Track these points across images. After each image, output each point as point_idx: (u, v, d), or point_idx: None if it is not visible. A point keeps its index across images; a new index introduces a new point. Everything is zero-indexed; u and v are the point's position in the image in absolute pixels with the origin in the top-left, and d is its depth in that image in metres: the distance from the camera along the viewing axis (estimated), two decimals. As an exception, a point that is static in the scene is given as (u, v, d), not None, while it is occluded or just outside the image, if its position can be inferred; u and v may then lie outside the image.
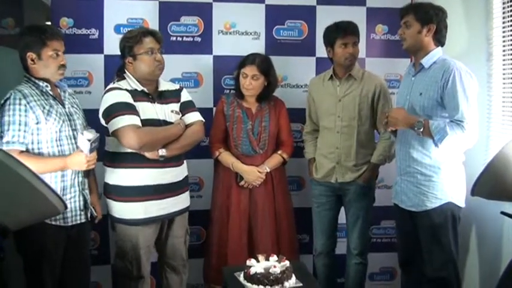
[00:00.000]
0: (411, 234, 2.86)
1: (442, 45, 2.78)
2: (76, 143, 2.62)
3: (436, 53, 2.74)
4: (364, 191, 3.29)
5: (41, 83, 2.57)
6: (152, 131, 2.79)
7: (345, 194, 3.33)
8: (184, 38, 3.57)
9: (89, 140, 2.50)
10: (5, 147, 2.36)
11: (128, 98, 2.79)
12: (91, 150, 2.53)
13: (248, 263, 2.53)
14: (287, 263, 2.50)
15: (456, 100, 2.57)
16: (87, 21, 3.47)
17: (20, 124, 2.45)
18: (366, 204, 3.32)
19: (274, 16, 3.65)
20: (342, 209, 3.44)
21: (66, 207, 2.24)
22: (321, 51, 3.61)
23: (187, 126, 2.95)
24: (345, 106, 3.24)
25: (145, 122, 2.80)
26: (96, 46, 3.48)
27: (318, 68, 3.67)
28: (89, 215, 2.74)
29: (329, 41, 3.24)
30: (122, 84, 2.87)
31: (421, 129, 2.62)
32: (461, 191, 2.75)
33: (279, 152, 3.34)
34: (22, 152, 2.45)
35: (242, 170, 3.25)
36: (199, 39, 3.59)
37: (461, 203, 2.75)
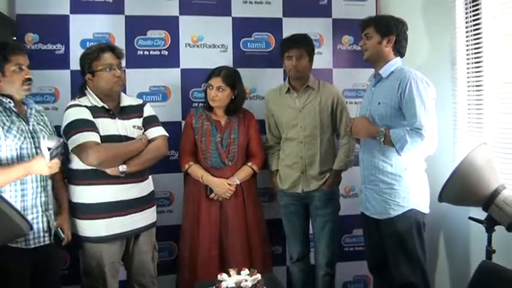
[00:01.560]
0: (378, 241, 2.88)
1: (402, 56, 2.84)
2: None
3: (395, 63, 2.80)
4: (328, 197, 3.34)
5: (4, 99, 2.51)
6: (111, 147, 2.77)
7: (310, 201, 3.36)
8: (152, 52, 3.55)
9: (49, 149, 2.45)
10: None
11: (86, 115, 2.77)
12: (51, 158, 2.47)
13: (219, 277, 2.50)
14: (258, 276, 2.48)
15: (414, 108, 2.62)
16: (52, 37, 3.43)
17: None
18: (332, 211, 3.37)
19: (241, 29, 3.67)
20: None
21: (31, 228, 2.20)
22: (289, 63, 3.66)
23: (150, 141, 2.93)
24: (306, 116, 3.30)
25: (106, 138, 2.78)
26: (62, 61, 3.43)
27: (285, 79, 3.67)
28: (52, 237, 2.65)
29: (281, 54, 3.33)
30: (82, 100, 2.85)
31: (382, 139, 2.66)
32: (425, 198, 2.79)
33: (249, 163, 3.34)
34: None
35: (212, 182, 3.24)
36: (166, 52, 3.57)
37: (425, 209, 2.79)
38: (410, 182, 2.75)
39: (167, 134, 3.02)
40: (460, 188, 2.49)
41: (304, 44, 3.27)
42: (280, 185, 3.40)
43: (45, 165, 2.46)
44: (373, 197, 2.84)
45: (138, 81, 3.42)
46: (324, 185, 3.31)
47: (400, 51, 2.82)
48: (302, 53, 3.24)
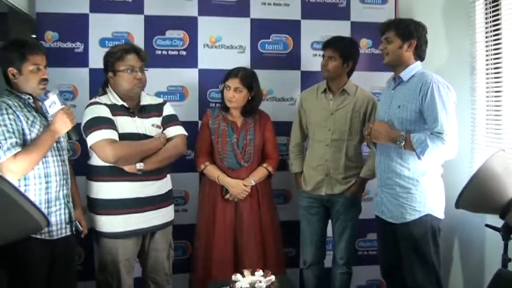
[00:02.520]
0: (392, 245, 2.87)
1: (422, 60, 2.81)
2: (59, 155, 2.62)
3: (415, 67, 2.78)
4: (351, 202, 3.31)
5: (23, 96, 2.55)
6: (128, 144, 2.80)
7: (332, 205, 3.34)
8: (170, 52, 3.58)
9: (56, 94, 2.55)
10: (7, 155, 2.37)
11: (105, 113, 2.81)
12: (63, 103, 2.55)
13: (234, 277, 2.51)
14: (273, 277, 2.49)
15: (435, 113, 2.60)
16: (72, 35, 3.47)
17: (13, 130, 2.42)
18: (353, 215, 3.35)
19: (259, 30, 3.68)
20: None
21: (48, 223, 2.22)
22: (306, 64, 3.67)
23: (168, 139, 2.95)
24: (336, 120, 3.27)
25: (124, 136, 2.81)
26: (81, 60, 3.47)
27: (303, 81, 3.70)
28: (73, 229, 2.71)
29: None
30: (102, 99, 2.89)
31: (403, 143, 2.64)
32: (440, 203, 2.77)
33: (264, 164, 3.34)
34: (18, 153, 2.41)
35: (227, 183, 3.24)
36: (184, 52, 3.60)
37: (441, 215, 2.77)
38: (427, 186, 2.73)
39: (186, 133, 3.04)
40: (478, 195, 2.47)
41: (337, 45, 3.23)
42: (304, 186, 3.38)
43: (64, 117, 2.52)
44: (389, 201, 2.82)
45: (156, 81, 3.43)
46: (348, 191, 3.28)
47: (420, 55, 2.79)
48: (334, 54, 3.21)
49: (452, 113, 2.63)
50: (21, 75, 2.53)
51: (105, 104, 2.85)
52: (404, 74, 2.78)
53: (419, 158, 2.63)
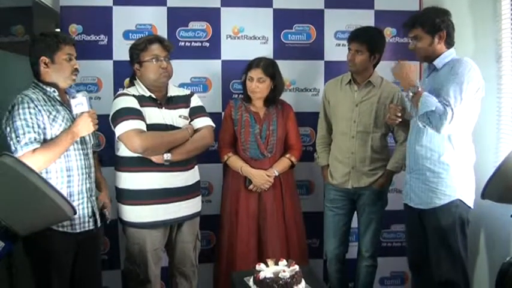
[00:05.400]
0: (420, 236, 2.84)
1: (452, 46, 2.77)
2: (82, 149, 2.63)
3: (449, 54, 2.74)
4: (378, 195, 3.29)
5: (48, 89, 2.56)
6: (156, 135, 2.82)
7: (359, 198, 3.32)
8: (193, 43, 3.59)
9: (84, 96, 2.55)
10: (24, 150, 2.37)
11: (133, 104, 2.83)
12: (89, 106, 2.56)
13: (257, 267, 2.51)
14: (296, 267, 2.48)
15: (449, 85, 2.57)
16: (96, 28, 3.51)
17: (33, 125, 2.42)
18: (379, 208, 3.33)
19: (282, 20, 3.66)
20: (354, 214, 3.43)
21: (75, 212, 2.25)
22: (330, 55, 3.64)
23: (196, 131, 2.96)
24: (361, 112, 3.24)
25: (152, 127, 2.83)
26: (105, 52, 3.51)
27: (326, 71, 3.67)
28: (98, 222, 2.71)
29: None
30: (130, 90, 2.93)
31: (411, 95, 2.64)
32: (470, 191, 2.73)
33: (287, 155, 3.34)
34: (36, 149, 2.41)
35: (250, 173, 3.25)
36: (207, 44, 3.61)
37: (470, 203, 2.73)
38: (458, 172, 2.69)
39: (213, 125, 3.06)
40: (504, 185, 2.42)
41: (364, 38, 3.17)
42: (330, 179, 3.37)
43: (88, 120, 2.54)
44: (418, 187, 2.79)
45: (180, 72, 3.42)
46: (375, 183, 3.25)
47: (450, 43, 2.75)
48: (361, 48, 3.16)
49: (467, 93, 2.57)
50: (53, 64, 2.55)
51: (133, 95, 2.88)
52: (438, 62, 2.74)
53: (415, 114, 2.66)
